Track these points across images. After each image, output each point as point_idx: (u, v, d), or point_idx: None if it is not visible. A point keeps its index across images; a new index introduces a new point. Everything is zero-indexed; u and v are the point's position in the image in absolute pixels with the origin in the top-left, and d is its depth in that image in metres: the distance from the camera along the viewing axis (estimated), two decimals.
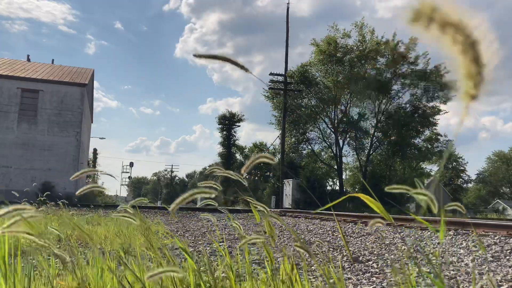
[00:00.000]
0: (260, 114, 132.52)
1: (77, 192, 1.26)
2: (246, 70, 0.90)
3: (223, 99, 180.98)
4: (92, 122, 37.58)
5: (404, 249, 4.79)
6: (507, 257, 3.95)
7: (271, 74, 33.31)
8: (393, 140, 37.88)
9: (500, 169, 74.84)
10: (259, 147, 61.12)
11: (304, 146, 41.55)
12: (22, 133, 24.58)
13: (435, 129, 39.62)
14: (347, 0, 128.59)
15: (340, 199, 1.18)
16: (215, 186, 1.17)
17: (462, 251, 4.46)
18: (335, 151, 40.40)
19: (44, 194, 5.55)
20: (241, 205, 33.67)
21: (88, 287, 1.73)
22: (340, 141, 40.13)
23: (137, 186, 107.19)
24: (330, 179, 42.05)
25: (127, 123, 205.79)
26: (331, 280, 1.81)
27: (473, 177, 79.70)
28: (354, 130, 39.59)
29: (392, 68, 38.51)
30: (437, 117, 38.59)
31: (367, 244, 5.30)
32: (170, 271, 0.92)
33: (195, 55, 0.84)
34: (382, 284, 2.95)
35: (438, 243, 5.07)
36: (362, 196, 1.03)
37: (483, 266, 3.58)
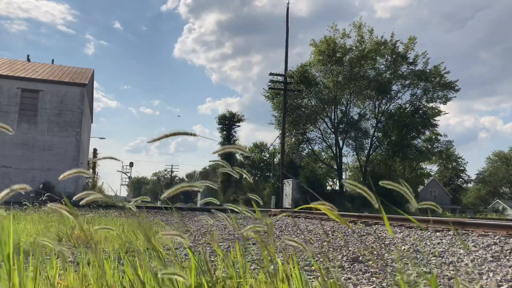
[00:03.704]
0: (259, 114, 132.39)
1: (76, 196, 1.26)
2: (195, 135, 0.96)
3: (222, 99, 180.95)
4: (92, 122, 37.58)
5: (404, 249, 4.79)
6: (507, 257, 3.95)
7: (271, 74, 33.32)
8: (393, 140, 37.88)
9: (500, 169, 74.84)
10: (260, 147, 61.06)
11: (304, 146, 41.58)
12: (22, 133, 24.58)
13: (435, 130, 39.67)
14: (345, 0, 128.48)
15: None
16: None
17: (461, 251, 4.46)
18: (335, 151, 40.40)
19: (46, 194, 5.54)
20: (241, 205, 33.61)
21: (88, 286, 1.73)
22: (340, 141, 40.14)
23: (137, 186, 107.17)
24: (330, 179, 42.07)
25: (127, 123, 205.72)
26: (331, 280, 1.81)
27: (473, 177, 79.85)
28: (354, 130, 39.60)
29: (391, 68, 38.54)
30: (437, 118, 38.62)
31: (367, 244, 5.30)
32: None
33: (149, 142, 0.96)
34: (382, 284, 2.96)
35: (438, 243, 5.07)
36: (322, 208, 1.06)
37: (483, 266, 3.58)
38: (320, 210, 1.13)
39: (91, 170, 39.97)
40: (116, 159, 1.37)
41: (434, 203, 1.09)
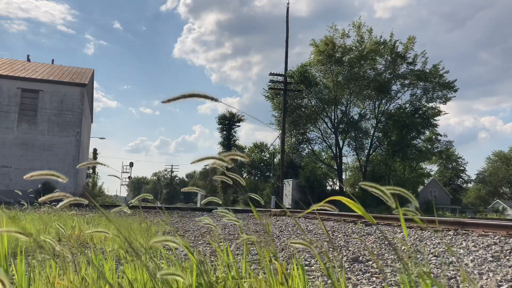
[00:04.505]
0: (258, 114, 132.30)
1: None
2: (216, 100, 0.94)
3: (222, 99, 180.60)
4: (92, 122, 37.57)
5: (404, 249, 4.79)
6: (507, 257, 3.95)
7: (271, 74, 33.30)
8: (393, 140, 37.87)
9: (500, 169, 74.81)
10: (260, 147, 61.03)
11: (304, 146, 41.57)
12: (22, 133, 24.58)
13: (435, 130, 39.66)
14: (345, 0, 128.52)
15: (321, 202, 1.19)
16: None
17: (462, 251, 4.46)
18: (335, 151, 40.40)
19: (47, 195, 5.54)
20: (241, 205, 33.64)
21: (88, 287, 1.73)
22: (340, 141, 40.13)
23: (137, 186, 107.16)
24: (330, 179, 42.08)
25: (127, 123, 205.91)
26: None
27: (473, 177, 79.78)
28: (354, 130, 39.60)
29: (391, 68, 38.54)
30: (437, 118, 38.61)
31: (367, 244, 5.30)
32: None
33: (163, 102, 0.92)
34: (382, 284, 2.95)
35: (438, 243, 5.07)
36: (343, 199, 1.06)
37: (483, 266, 3.58)
38: (321, 210, 1.12)
39: (90, 170, 39.97)
40: (102, 164, 1.37)
41: (413, 209, 1.10)
